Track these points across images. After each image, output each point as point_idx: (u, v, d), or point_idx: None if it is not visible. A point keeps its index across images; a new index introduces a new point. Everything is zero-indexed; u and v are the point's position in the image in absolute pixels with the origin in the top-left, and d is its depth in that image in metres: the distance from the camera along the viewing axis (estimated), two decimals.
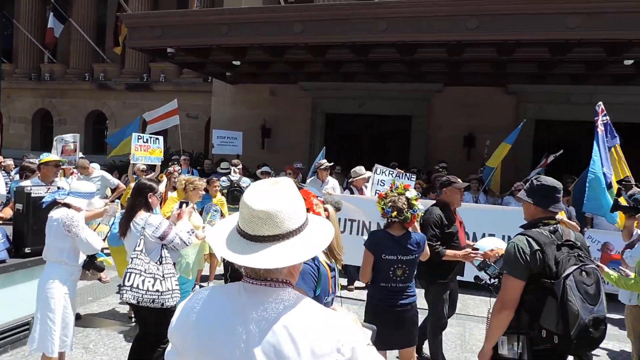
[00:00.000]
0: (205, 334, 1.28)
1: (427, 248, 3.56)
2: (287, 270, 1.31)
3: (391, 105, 12.19)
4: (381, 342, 3.14)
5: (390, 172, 7.96)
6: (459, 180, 4.42)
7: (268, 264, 1.24)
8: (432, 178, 8.98)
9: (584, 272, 2.39)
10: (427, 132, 12.03)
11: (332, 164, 8.38)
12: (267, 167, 9.44)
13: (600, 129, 6.12)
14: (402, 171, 8.14)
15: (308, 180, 7.68)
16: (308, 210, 1.59)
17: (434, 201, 4.64)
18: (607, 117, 6.31)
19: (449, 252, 4.01)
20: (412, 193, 3.41)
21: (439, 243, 3.98)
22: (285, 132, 12.97)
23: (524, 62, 9.46)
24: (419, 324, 3.62)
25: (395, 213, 3.31)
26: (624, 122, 10.97)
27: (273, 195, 1.30)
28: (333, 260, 2.46)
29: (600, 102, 6.35)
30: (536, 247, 2.49)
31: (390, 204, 3.35)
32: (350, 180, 7.83)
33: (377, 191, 6.74)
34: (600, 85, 10.62)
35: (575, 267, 2.39)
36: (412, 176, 8.00)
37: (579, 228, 5.69)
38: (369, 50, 9.24)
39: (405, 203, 3.33)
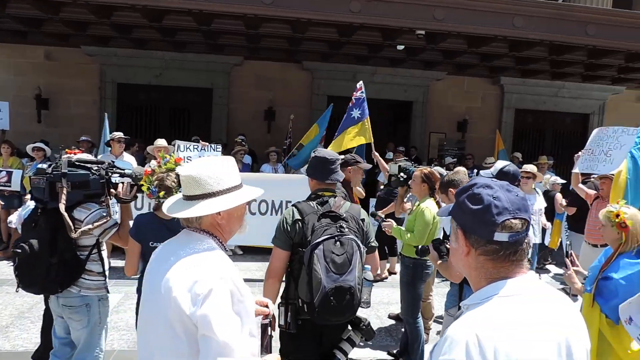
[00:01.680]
0: (150, 264, 1.76)
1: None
2: (208, 223, 1.69)
3: (191, 76, 11.70)
4: None
5: (195, 147, 7.66)
6: (363, 160, 4.50)
7: (180, 215, 1.69)
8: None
9: (338, 242, 2.40)
10: (228, 105, 11.94)
11: (127, 137, 7.67)
12: (43, 142, 8.12)
13: (352, 101, 7.09)
14: (207, 144, 7.91)
15: (100, 156, 6.86)
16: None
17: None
18: (364, 94, 7.14)
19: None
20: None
21: None
22: (68, 103, 11.31)
23: (316, 40, 10.05)
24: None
25: (162, 193, 2.84)
26: (397, 99, 12.78)
27: (197, 163, 1.77)
28: None
29: (361, 81, 7.26)
30: (298, 216, 2.55)
31: (156, 182, 2.88)
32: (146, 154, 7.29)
33: None
34: (380, 66, 12.03)
35: (328, 236, 2.39)
36: (218, 147, 7.86)
37: None
38: (162, 16, 8.60)
39: (175, 180, 2.87)
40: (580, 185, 5.60)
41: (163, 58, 11.37)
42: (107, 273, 3.05)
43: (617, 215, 2.92)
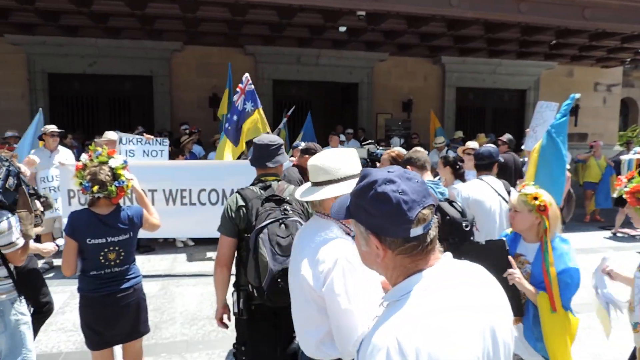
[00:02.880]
0: (293, 248, 2.05)
1: None
2: (328, 206, 1.85)
3: (128, 64, 11.19)
4: (101, 340, 2.88)
5: (139, 140, 7.36)
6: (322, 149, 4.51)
7: (306, 198, 1.94)
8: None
9: (283, 225, 2.39)
10: (171, 93, 11.55)
11: (62, 130, 7.24)
12: None
13: (243, 94, 6.84)
14: (152, 137, 7.62)
15: (33, 151, 6.44)
16: None
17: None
18: (252, 86, 6.96)
19: None
20: (117, 161, 2.89)
21: None
22: None
23: (257, 23, 9.86)
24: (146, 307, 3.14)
25: (96, 187, 2.77)
26: (343, 81, 12.83)
27: (323, 154, 1.98)
28: None
29: (247, 74, 7.01)
30: (241, 202, 2.55)
31: (89, 176, 2.78)
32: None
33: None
34: (324, 48, 12.00)
35: (272, 220, 2.38)
36: (165, 141, 7.61)
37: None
38: (91, 0, 8.14)
39: (110, 174, 2.81)
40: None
41: (96, 45, 10.79)
42: (14, 273, 2.84)
43: (535, 198, 2.57)
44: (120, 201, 3.01)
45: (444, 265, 1.14)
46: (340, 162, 1.91)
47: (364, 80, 12.83)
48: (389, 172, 1.14)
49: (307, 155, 4.73)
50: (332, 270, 1.73)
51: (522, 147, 5.69)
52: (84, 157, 2.95)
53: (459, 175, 4.47)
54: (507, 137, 7.65)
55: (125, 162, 2.98)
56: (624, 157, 9.18)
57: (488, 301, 1.13)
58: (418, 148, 3.79)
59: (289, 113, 9.84)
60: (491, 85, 13.88)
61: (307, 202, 2.01)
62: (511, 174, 6.36)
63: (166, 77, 11.49)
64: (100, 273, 2.85)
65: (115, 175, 2.85)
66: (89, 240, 2.79)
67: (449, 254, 1.19)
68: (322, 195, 1.88)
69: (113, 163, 2.87)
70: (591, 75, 14.65)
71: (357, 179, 1.62)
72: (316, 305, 1.81)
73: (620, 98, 16.01)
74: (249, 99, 6.87)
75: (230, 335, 2.91)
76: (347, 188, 1.81)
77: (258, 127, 6.82)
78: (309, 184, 2.03)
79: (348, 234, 1.89)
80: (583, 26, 9.71)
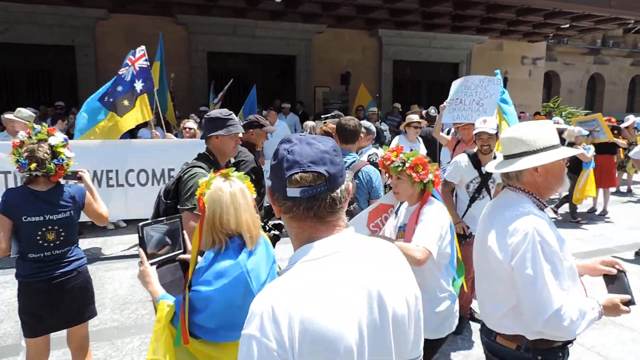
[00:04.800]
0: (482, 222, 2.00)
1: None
2: (526, 180, 1.87)
3: (47, 33, 10.33)
4: (41, 325, 2.73)
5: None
6: (268, 123, 4.25)
7: (502, 170, 1.89)
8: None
9: None
10: (96, 65, 10.84)
11: None
12: None
13: (134, 69, 6.27)
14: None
15: None
16: None
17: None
18: (147, 64, 6.40)
19: None
20: (57, 139, 2.78)
21: None
22: None
23: None
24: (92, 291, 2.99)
25: (34, 165, 2.65)
26: (280, 54, 12.60)
27: (518, 126, 1.95)
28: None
29: (143, 46, 6.53)
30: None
31: (26, 154, 2.66)
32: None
33: None
34: (260, 19, 11.66)
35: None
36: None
37: None
38: None
39: (48, 152, 2.70)
40: (441, 133, 5.96)
41: (7, 10, 9.83)
42: None
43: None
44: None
45: (338, 238, 1.12)
46: (538, 133, 1.86)
47: (302, 52, 12.66)
48: (300, 134, 1.17)
49: (252, 130, 4.56)
50: (523, 244, 1.71)
51: (439, 119, 5.70)
52: (22, 134, 2.80)
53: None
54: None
55: (65, 139, 2.85)
56: None
57: (377, 272, 1.12)
58: (348, 117, 3.74)
59: (226, 88, 9.57)
60: (427, 58, 14.17)
61: (502, 174, 1.94)
62: (436, 147, 6.63)
63: (91, 48, 10.75)
64: (40, 256, 2.69)
65: (54, 153, 2.73)
66: (25, 218, 2.64)
67: (350, 229, 1.17)
68: (521, 165, 1.83)
69: (53, 141, 2.75)
70: (519, 49, 15.34)
71: (555, 150, 1.85)
72: (502, 279, 1.79)
73: (544, 71, 16.93)
74: (141, 77, 6.24)
75: None
76: (546, 158, 1.81)
77: (138, 116, 6.22)
78: (500, 157, 1.98)
79: (542, 209, 1.88)
80: (510, 1, 10.08)
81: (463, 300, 4.00)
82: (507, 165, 1.87)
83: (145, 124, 7.28)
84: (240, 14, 11.25)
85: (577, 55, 21.31)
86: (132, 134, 8.53)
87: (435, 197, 2.54)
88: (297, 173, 1.07)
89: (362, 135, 4.53)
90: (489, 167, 2.01)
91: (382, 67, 13.65)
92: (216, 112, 2.83)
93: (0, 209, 2.65)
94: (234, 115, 2.84)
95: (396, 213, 2.75)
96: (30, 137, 2.75)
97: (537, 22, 12.18)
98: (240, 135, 2.88)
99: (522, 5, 10.30)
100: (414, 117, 6.54)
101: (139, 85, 6.24)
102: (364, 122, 4.92)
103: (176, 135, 7.82)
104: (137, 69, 6.27)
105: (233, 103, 10.99)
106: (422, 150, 6.78)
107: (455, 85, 5.83)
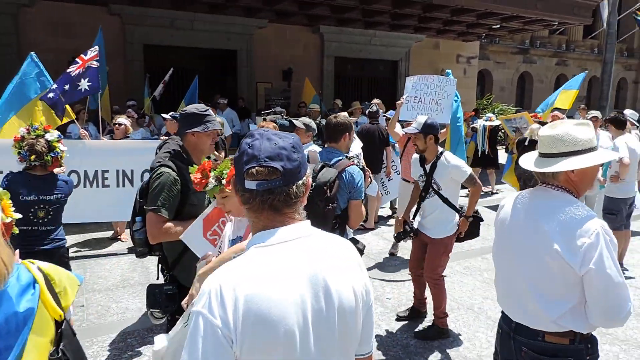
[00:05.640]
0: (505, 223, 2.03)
1: None
2: (562, 179, 1.87)
3: None
4: None
5: None
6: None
7: (544, 170, 1.87)
8: None
9: None
10: (19, 55, 10.07)
11: None
12: None
13: (81, 67, 5.99)
14: None
15: None
16: None
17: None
18: (98, 64, 6.14)
19: None
20: (53, 135, 3.32)
21: None
22: None
23: None
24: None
25: (33, 157, 3.22)
26: (220, 48, 12.34)
27: (559, 125, 1.90)
28: None
29: (97, 47, 6.33)
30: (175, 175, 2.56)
31: (27, 147, 3.23)
32: None
33: None
34: (199, 12, 11.35)
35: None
36: None
37: None
38: None
39: (45, 146, 3.25)
40: (396, 129, 6.09)
41: None
42: None
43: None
44: None
45: (293, 228, 1.18)
46: (578, 134, 1.85)
47: (242, 47, 12.48)
48: (264, 130, 1.23)
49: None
50: (598, 245, 1.72)
51: (394, 116, 5.84)
52: (22, 130, 3.36)
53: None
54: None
55: (59, 136, 3.40)
56: (478, 123, 10.08)
57: (326, 260, 1.16)
58: (334, 115, 3.65)
59: (166, 79, 9.24)
60: (367, 55, 14.41)
61: (539, 173, 1.91)
62: (376, 144, 6.78)
63: (13, 36, 10.01)
64: (27, 229, 3.08)
65: (50, 147, 3.26)
66: (22, 197, 3.11)
67: (306, 222, 1.22)
68: (562, 167, 1.82)
69: (49, 137, 3.29)
70: (454, 48, 15.95)
71: (594, 153, 1.86)
72: (563, 279, 1.79)
73: (478, 69, 17.73)
74: (87, 77, 5.92)
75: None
76: (587, 161, 1.81)
77: (56, 120, 5.73)
78: (535, 154, 1.97)
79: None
80: (445, 1, 10.46)
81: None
82: (547, 165, 1.87)
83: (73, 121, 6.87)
84: (177, 6, 10.90)
85: (508, 54, 22.51)
86: (61, 130, 8.03)
87: None
88: (254, 167, 1.14)
89: (302, 131, 4.55)
90: (527, 165, 1.97)
91: (324, 64, 13.73)
92: (192, 107, 2.75)
93: (2, 185, 3.12)
94: (211, 111, 2.77)
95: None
96: (29, 133, 3.32)
97: (470, 22, 12.72)
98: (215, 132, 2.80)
99: (456, 5, 10.71)
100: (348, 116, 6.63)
101: (84, 84, 5.92)
102: (304, 119, 4.94)
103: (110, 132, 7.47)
104: (86, 67, 5.99)
105: (174, 97, 10.63)
106: (357, 145, 6.89)
107: (410, 82, 5.90)
